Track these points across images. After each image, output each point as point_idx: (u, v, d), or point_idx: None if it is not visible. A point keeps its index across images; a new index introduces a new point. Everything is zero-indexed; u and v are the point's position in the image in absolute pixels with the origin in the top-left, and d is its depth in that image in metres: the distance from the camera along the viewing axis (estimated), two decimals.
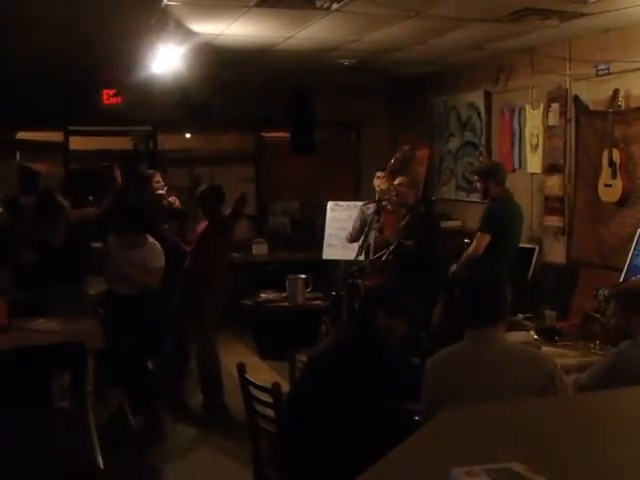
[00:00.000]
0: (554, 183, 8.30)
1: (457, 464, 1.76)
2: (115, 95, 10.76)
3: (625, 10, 6.48)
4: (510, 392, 3.50)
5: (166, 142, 11.83)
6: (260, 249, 11.13)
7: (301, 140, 10.91)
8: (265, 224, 11.93)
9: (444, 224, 9.21)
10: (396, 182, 8.14)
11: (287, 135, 11.21)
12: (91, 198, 8.04)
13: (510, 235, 7.09)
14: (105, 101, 10.79)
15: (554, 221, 8.30)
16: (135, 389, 7.08)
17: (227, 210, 7.76)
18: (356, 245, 8.52)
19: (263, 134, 12.13)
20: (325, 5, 6.29)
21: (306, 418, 4.13)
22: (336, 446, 3.91)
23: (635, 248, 6.95)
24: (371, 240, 8.32)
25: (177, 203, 8.90)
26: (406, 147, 9.06)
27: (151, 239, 7.21)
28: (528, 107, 8.73)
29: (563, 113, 8.15)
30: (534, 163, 8.58)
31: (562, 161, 8.20)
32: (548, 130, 8.39)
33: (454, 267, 7.09)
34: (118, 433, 6.50)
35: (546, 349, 5.05)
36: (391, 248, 7.55)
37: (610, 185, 7.29)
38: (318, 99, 10.96)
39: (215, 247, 7.54)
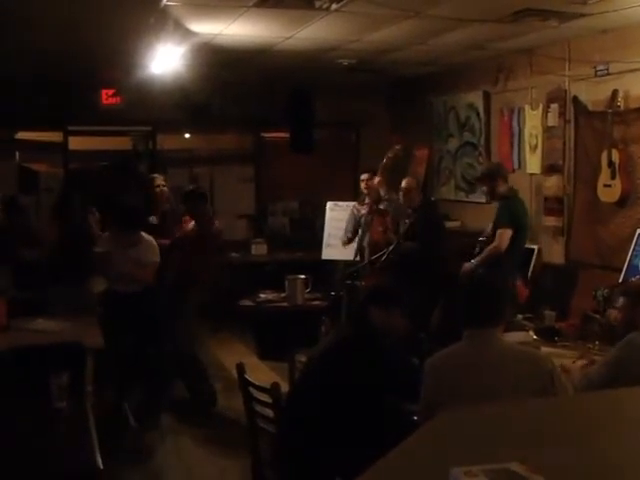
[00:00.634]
0: (553, 184, 8.31)
1: (456, 464, 1.76)
2: (114, 95, 10.76)
3: (624, 11, 6.48)
4: (509, 392, 3.51)
5: (165, 142, 11.82)
6: (259, 249, 11.13)
7: (300, 140, 10.90)
8: (264, 224, 11.93)
9: None
10: (403, 184, 8.15)
11: (286, 135, 11.20)
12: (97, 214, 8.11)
13: (522, 231, 7.25)
14: (104, 101, 10.78)
15: (553, 221, 8.31)
16: (136, 387, 7.13)
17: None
18: (354, 245, 8.53)
19: (262, 134, 12.12)
20: (324, 5, 6.30)
21: (305, 418, 4.13)
22: (335, 446, 3.91)
23: (634, 248, 6.96)
24: (365, 242, 8.33)
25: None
26: (397, 146, 9.06)
27: (146, 236, 7.27)
28: (527, 107, 8.73)
29: (562, 114, 8.15)
30: (533, 164, 8.58)
31: (561, 162, 8.21)
32: (547, 131, 8.39)
33: (466, 265, 7.11)
34: (117, 433, 6.51)
35: (545, 349, 5.06)
36: (391, 248, 7.56)
37: (609, 185, 7.30)
38: (318, 99, 10.96)
39: (198, 246, 7.60)
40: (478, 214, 9.16)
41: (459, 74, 10.13)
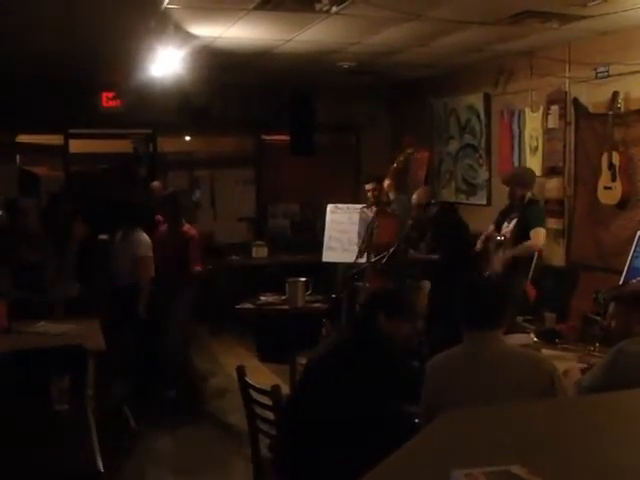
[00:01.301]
0: (554, 186, 8.31)
1: (457, 467, 1.76)
2: (114, 98, 10.75)
3: (624, 13, 6.48)
4: (510, 394, 3.51)
5: (166, 145, 11.82)
6: (260, 252, 11.12)
7: (301, 143, 10.91)
8: (265, 227, 11.93)
9: None
10: (415, 200, 8.11)
11: (287, 138, 11.20)
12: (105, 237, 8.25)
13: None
14: (104, 104, 10.78)
15: (554, 224, 8.30)
16: (139, 383, 7.24)
17: None
18: (355, 247, 8.51)
19: (263, 137, 12.11)
20: (324, 8, 6.30)
21: (306, 421, 4.13)
22: (336, 449, 3.90)
23: (635, 250, 6.95)
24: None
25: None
26: (410, 150, 9.03)
27: (139, 232, 7.60)
28: (527, 110, 8.73)
29: (562, 116, 8.15)
30: (533, 166, 8.57)
31: (562, 164, 8.21)
32: (547, 133, 8.39)
33: (501, 257, 7.14)
34: (118, 435, 6.51)
35: (546, 351, 5.05)
36: (391, 250, 7.55)
37: (610, 188, 7.30)
38: (318, 101, 10.96)
39: (168, 249, 7.74)
40: (478, 216, 9.15)
41: (459, 76, 10.13)
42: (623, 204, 7.26)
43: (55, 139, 11.12)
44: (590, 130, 7.76)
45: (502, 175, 8.34)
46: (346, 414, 3.95)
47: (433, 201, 8.04)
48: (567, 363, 4.83)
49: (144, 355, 7.52)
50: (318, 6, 6.25)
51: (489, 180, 9.67)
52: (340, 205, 9.95)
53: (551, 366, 3.69)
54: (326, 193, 10.98)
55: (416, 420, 3.91)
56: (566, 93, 8.11)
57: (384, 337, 4.26)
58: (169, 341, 7.80)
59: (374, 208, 8.51)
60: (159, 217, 8.55)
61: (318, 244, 10.11)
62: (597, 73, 7.57)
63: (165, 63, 7.65)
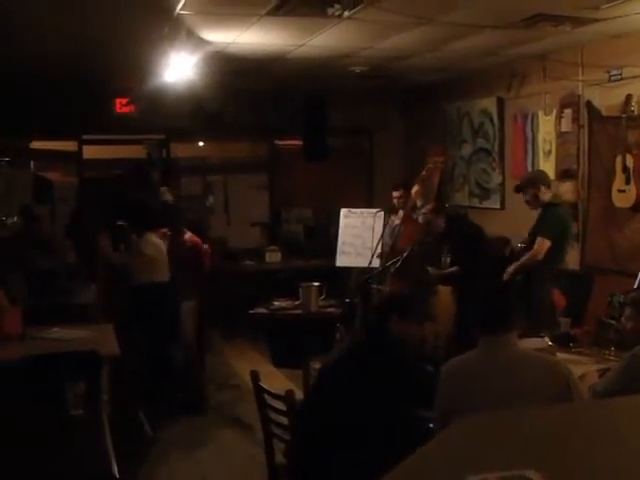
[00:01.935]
0: (567, 189, 8.28)
1: (472, 471, 1.76)
2: (128, 104, 10.79)
3: (637, 15, 6.47)
4: (525, 399, 3.49)
5: (179, 150, 11.84)
6: (273, 257, 11.14)
7: (314, 147, 10.91)
8: (278, 232, 11.93)
9: None
10: (422, 219, 8.09)
11: (300, 142, 11.21)
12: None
13: (565, 240, 6.99)
14: (118, 110, 10.82)
15: None
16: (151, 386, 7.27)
17: None
18: (369, 252, 8.50)
19: (276, 142, 12.11)
20: (337, 13, 6.30)
21: (320, 425, 4.13)
22: (350, 453, 3.90)
23: None
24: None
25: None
26: (440, 159, 8.99)
27: (149, 234, 7.64)
28: (541, 113, 8.72)
29: (576, 119, 8.14)
30: (547, 169, 8.54)
31: (575, 167, 8.19)
32: (561, 136, 8.37)
33: (511, 268, 6.99)
34: (133, 440, 6.52)
35: (560, 355, 5.03)
36: (404, 255, 7.55)
37: (624, 191, 7.27)
38: (331, 106, 10.97)
39: (171, 258, 7.79)
40: (492, 220, 9.14)
41: (473, 80, 10.12)
42: (637, 207, 7.23)
43: (69, 145, 11.16)
44: (603, 133, 7.74)
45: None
46: (360, 419, 3.95)
47: (429, 207, 8.02)
48: (583, 367, 4.81)
49: (154, 358, 7.54)
50: (330, 11, 6.25)
51: (502, 184, 9.65)
52: (353, 209, 9.94)
53: (567, 370, 3.68)
54: (339, 198, 10.98)
55: (430, 425, 3.90)
56: (579, 96, 8.09)
57: (397, 340, 4.26)
58: (180, 345, 7.83)
59: (400, 213, 8.49)
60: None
61: (331, 249, 10.11)
62: (610, 76, 7.55)
63: (178, 69, 7.67)
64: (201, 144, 12.36)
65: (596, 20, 6.69)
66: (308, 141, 11.00)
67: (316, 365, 6.42)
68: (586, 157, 8.04)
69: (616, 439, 2.13)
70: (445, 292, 7.76)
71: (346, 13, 6.31)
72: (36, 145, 11.15)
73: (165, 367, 7.64)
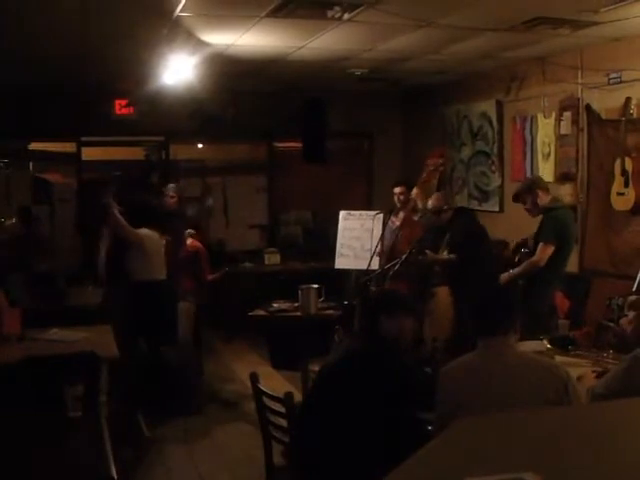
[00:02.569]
0: (566, 192, 8.28)
1: (471, 474, 1.76)
2: (127, 105, 10.78)
3: (636, 19, 6.48)
4: (523, 401, 3.50)
5: (178, 152, 11.85)
6: (272, 259, 11.14)
7: (314, 150, 10.91)
8: (277, 234, 11.94)
9: None
10: (430, 206, 8.07)
11: (299, 145, 11.21)
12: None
13: (568, 243, 6.88)
14: (117, 111, 10.81)
15: None
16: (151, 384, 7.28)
17: None
18: (368, 255, 8.48)
19: (275, 144, 12.12)
20: (336, 15, 6.32)
21: (319, 428, 4.13)
22: (349, 455, 3.90)
23: None
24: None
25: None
26: (441, 160, 8.97)
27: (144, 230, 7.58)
28: (540, 116, 8.72)
29: (575, 122, 8.14)
30: (546, 172, 8.57)
31: (574, 170, 8.19)
32: (560, 139, 8.38)
33: (504, 276, 6.94)
34: (131, 443, 6.52)
35: (559, 358, 5.03)
36: (403, 257, 7.54)
37: (622, 194, 7.27)
38: (330, 108, 10.98)
39: (170, 260, 7.77)
40: (491, 223, 9.14)
41: (472, 83, 10.13)
42: (636, 210, 7.23)
43: (68, 146, 11.16)
44: (603, 136, 7.75)
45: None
46: (359, 421, 3.94)
47: (445, 207, 7.99)
48: (581, 369, 4.81)
49: (151, 356, 7.53)
50: (330, 13, 6.27)
51: (501, 187, 9.66)
52: (352, 212, 9.93)
53: (565, 373, 3.68)
54: (338, 200, 10.98)
55: (429, 427, 3.90)
56: (578, 99, 8.10)
57: (392, 342, 4.25)
58: (177, 346, 7.83)
59: (401, 214, 8.46)
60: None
61: (330, 251, 10.10)
62: (609, 79, 7.56)
63: (178, 71, 7.68)
64: (200, 146, 12.37)
65: (595, 23, 6.70)
66: (307, 143, 11.00)
67: (315, 367, 6.42)
68: (585, 160, 8.05)
69: (613, 442, 2.13)
70: (444, 293, 7.76)
71: (346, 15, 6.33)
72: (35, 146, 11.16)
73: (160, 366, 7.64)
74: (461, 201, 10.51)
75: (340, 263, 9.76)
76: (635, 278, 6.88)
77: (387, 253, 8.05)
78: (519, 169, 9.05)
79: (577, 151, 8.15)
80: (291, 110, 10.93)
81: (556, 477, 1.76)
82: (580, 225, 8.13)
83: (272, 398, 4.51)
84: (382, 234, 8.34)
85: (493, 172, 9.83)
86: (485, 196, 10.05)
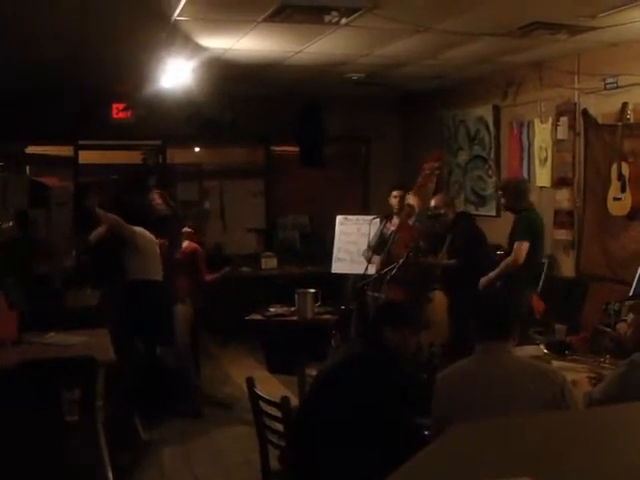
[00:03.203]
0: (563, 197, 8.30)
1: (467, 479, 1.76)
2: (125, 109, 10.79)
3: (633, 24, 6.49)
4: (520, 406, 3.50)
5: (176, 156, 11.84)
6: (269, 263, 11.13)
7: (311, 154, 10.92)
8: (274, 238, 11.93)
9: None
10: (432, 208, 8.07)
11: (297, 149, 11.22)
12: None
13: (539, 244, 7.10)
14: (115, 115, 10.82)
15: (563, 235, 8.30)
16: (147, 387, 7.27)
17: None
18: (364, 259, 8.49)
19: (273, 148, 12.11)
20: (334, 20, 6.32)
21: (315, 433, 4.13)
22: (345, 460, 3.90)
23: None
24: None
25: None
26: (437, 164, 8.98)
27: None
28: (537, 121, 8.74)
29: (572, 127, 8.16)
30: (543, 177, 8.58)
31: (571, 175, 8.21)
32: (557, 144, 8.39)
33: (483, 280, 7.04)
34: (128, 446, 6.51)
35: (556, 363, 5.04)
36: (400, 262, 7.54)
37: (619, 199, 7.29)
38: (328, 113, 10.99)
39: (166, 263, 7.79)
40: (488, 227, 9.13)
41: (469, 88, 10.15)
42: (633, 215, 7.25)
43: (65, 150, 11.15)
44: (599, 141, 7.76)
45: None
46: (355, 427, 3.95)
47: (443, 210, 7.99)
48: (576, 374, 4.81)
49: (147, 358, 7.53)
50: (327, 18, 6.28)
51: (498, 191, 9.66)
52: (349, 216, 9.95)
53: (561, 378, 3.68)
54: (335, 204, 10.99)
55: (426, 432, 3.90)
56: (575, 104, 8.11)
57: (393, 350, 4.27)
58: (174, 348, 7.84)
59: (395, 220, 8.44)
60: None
61: (327, 255, 10.12)
62: (606, 84, 7.58)
63: (175, 75, 7.67)
64: (197, 150, 12.35)
65: (592, 28, 6.71)
66: (305, 148, 11.01)
67: (311, 372, 6.41)
68: (582, 165, 8.06)
69: (611, 447, 2.13)
70: (440, 299, 7.76)
71: (343, 20, 6.34)
72: (32, 150, 11.15)
73: (157, 367, 7.63)
74: (458, 206, 10.50)
75: (337, 268, 9.77)
76: (631, 283, 6.90)
77: (383, 257, 8.05)
78: (516, 174, 9.05)
79: (574, 156, 8.16)
80: (288, 114, 10.94)
81: None
82: (577, 230, 8.15)
83: (268, 402, 4.51)
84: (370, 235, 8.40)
85: (490, 177, 9.84)
86: (482, 201, 10.06)
